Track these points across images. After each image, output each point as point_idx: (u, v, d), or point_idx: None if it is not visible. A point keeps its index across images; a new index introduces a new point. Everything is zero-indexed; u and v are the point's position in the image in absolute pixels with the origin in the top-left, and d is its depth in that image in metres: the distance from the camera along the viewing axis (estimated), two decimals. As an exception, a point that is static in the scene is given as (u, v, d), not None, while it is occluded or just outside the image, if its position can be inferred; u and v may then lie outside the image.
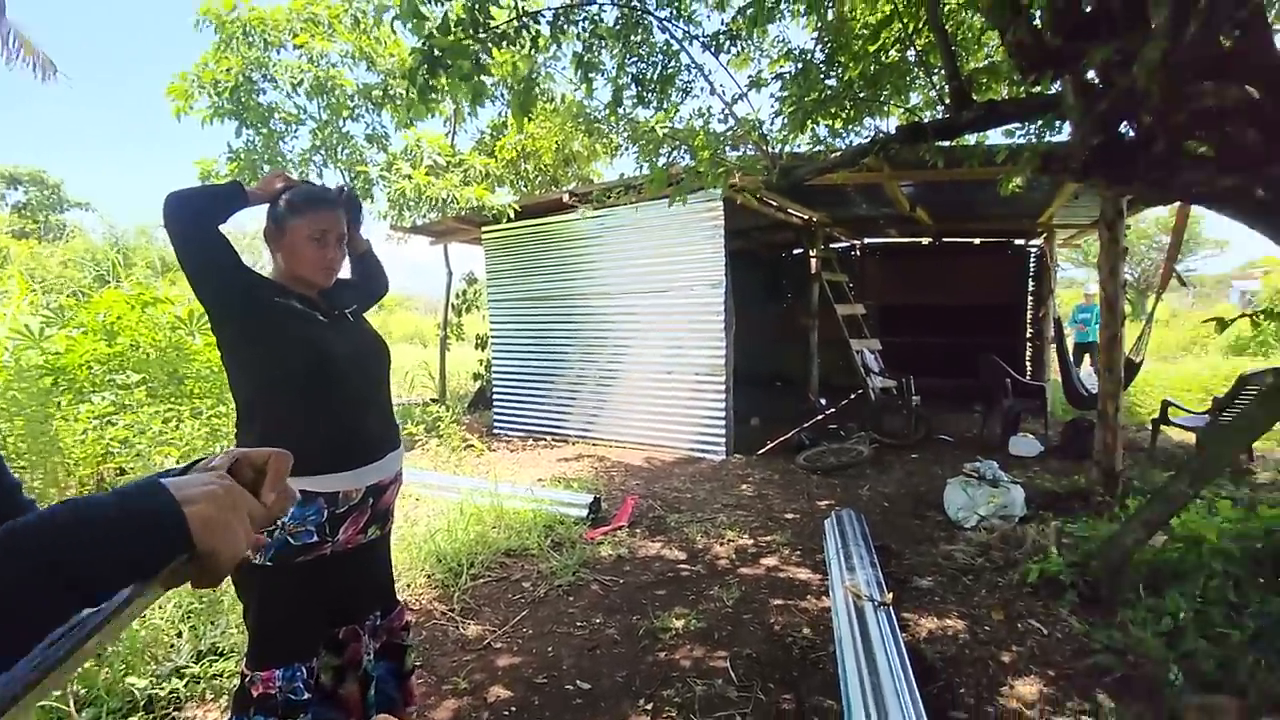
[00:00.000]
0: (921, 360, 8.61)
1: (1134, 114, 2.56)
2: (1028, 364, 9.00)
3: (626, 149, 9.65)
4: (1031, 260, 8.97)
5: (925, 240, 9.47)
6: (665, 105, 4.39)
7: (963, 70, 4.44)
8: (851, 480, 5.32)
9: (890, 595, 2.95)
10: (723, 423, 6.06)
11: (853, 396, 8.26)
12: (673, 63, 4.18)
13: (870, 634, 2.58)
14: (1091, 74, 2.76)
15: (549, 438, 7.38)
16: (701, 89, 4.72)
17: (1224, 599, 2.76)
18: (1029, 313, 9.06)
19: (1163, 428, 5.80)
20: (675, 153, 5.37)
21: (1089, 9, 2.75)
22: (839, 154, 3.78)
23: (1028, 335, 9.04)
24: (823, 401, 8.05)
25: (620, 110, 4.36)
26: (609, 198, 6.21)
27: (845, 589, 2.96)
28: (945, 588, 3.31)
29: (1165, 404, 5.78)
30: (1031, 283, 9.06)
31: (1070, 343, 9.07)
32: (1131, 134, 2.85)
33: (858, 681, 2.28)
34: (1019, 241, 9.12)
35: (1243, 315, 3.07)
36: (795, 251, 9.88)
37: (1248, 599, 2.78)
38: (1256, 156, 2.46)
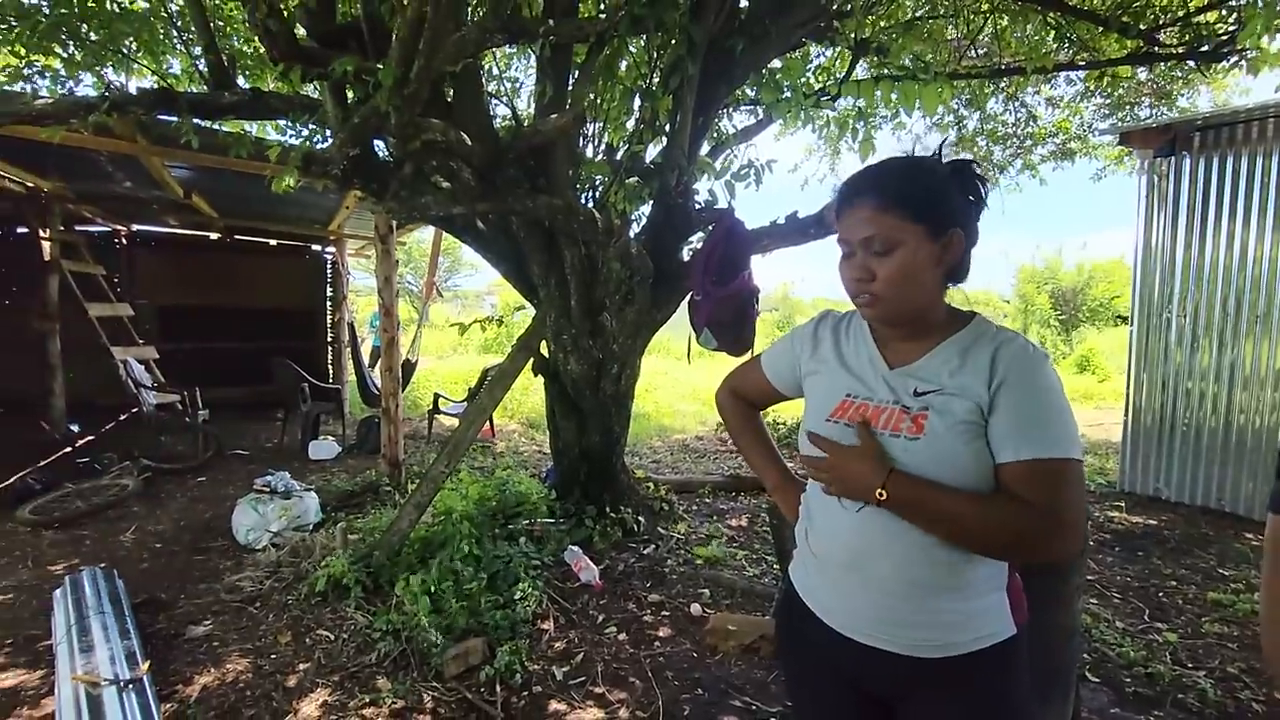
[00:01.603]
0: (213, 369, 7.71)
1: (382, 133, 2.78)
2: (329, 367, 9.23)
3: None
4: (329, 266, 9.22)
5: (214, 235, 8.50)
6: None
7: (229, 49, 4.04)
8: (110, 525, 4.21)
9: (147, 665, 2.37)
10: None
11: (123, 418, 6.68)
12: None
13: (109, 731, 1.98)
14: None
15: None
16: None
17: (471, 555, 3.32)
18: (328, 317, 9.29)
19: (437, 417, 6.83)
20: None
21: (340, 20, 2.83)
22: (51, 101, 2.83)
23: (328, 339, 9.27)
24: (74, 429, 6.21)
25: None
26: None
27: (74, 680, 2.21)
28: (228, 626, 2.92)
29: (437, 396, 6.84)
30: (330, 288, 9.31)
31: (368, 346, 9.80)
32: (389, 153, 3.10)
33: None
34: (316, 246, 9.23)
35: (475, 321, 3.81)
36: (19, 231, 7.28)
37: (485, 551, 3.43)
38: (473, 192, 3.02)
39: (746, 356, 1.55)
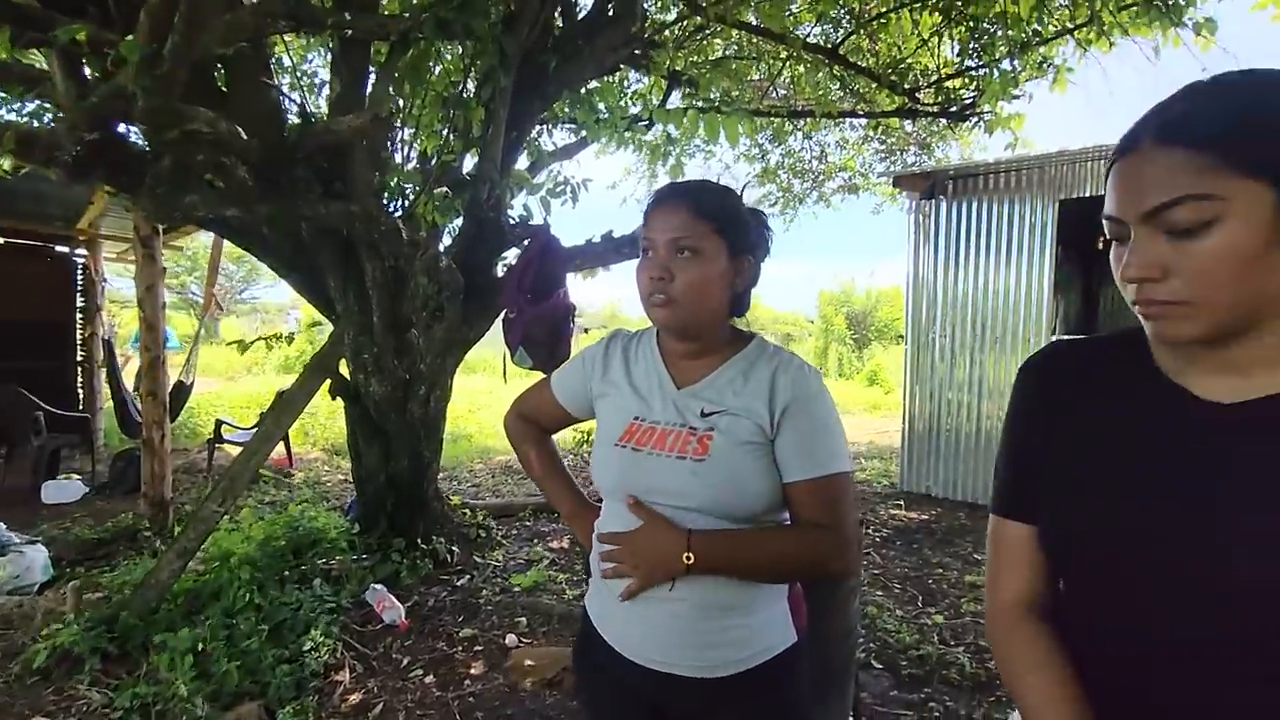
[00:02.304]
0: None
1: (130, 118, 2.36)
2: (80, 391, 7.75)
3: None
4: (79, 271, 7.77)
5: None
6: None
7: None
8: None
9: None
10: None
11: None
12: None
13: None
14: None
15: None
16: None
17: (251, 605, 2.91)
18: (79, 332, 7.82)
19: (220, 447, 5.99)
20: None
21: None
22: None
23: (77, 358, 7.79)
24: None
25: None
26: None
27: None
28: (-104, 730, 2.28)
29: (219, 423, 6.00)
30: (81, 298, 7.85)
31: (133, 366, 8.38)
32: (143, 141, 2.65)
33: None
34: (64, 248, 7.74)
35: (259, 339, 3.37)
36: None
37: (270, 599, 3.03)
38: (250, 193, 2.67)
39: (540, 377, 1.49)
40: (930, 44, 4.67)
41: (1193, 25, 3.24)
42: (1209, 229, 0.58)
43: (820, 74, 5.24)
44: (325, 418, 7.84)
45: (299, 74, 4.13)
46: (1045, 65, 4.36)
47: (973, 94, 4.79)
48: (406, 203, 3.40)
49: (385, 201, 3.36)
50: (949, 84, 4.87)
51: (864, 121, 6.82)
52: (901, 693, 2.74)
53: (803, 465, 1.06)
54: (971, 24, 4.11)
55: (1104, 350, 0.76)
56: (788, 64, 5.07)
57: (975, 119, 4.83)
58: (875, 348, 18.63)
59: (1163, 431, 0.68)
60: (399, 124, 3.55)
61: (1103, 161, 5.05)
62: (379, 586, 3.29)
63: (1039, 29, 3.96)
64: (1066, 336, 5.23)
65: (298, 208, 2.65)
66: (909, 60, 4.83)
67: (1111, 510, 0.70)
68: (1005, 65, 3.93)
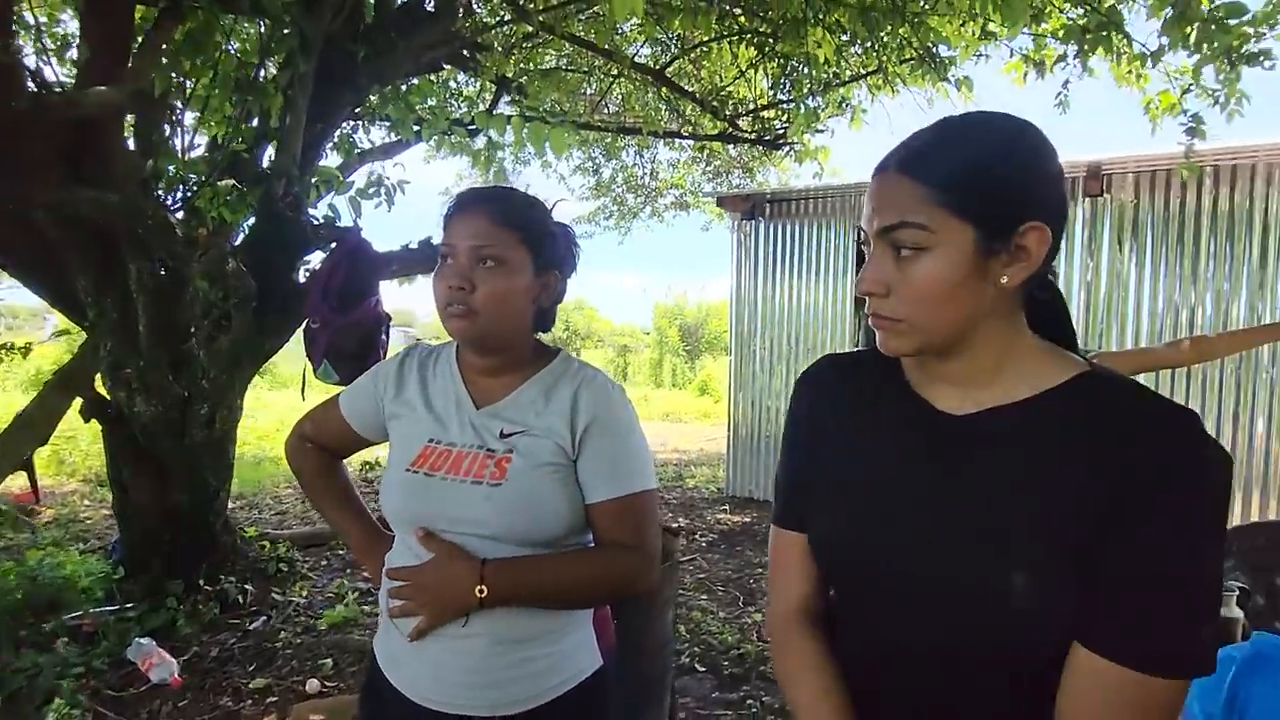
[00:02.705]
0: None
1: None
2: None
3: None
4: None
5: None
6: None
7: None
8: None
9: None
10: None
11: None
12: None
13: None
14: None
15: None
16: None
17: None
18: None
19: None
20: None
21: None
22: None
23: None
24: None
25: None
26: None
27: None
28: None
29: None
30: None
31: None
32: None
33: None
34: None
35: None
36: None
37: (10, 656, 2.49)
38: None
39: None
40: (747, 75, 4.99)
41: (955, 82, 3.75)
42: (921, 254, 0.64)
43: (649, 94, 5.41)
44: (87, 443, 6.66)
45: (43, 34, 3.47)
46: (844, 105, 4.84)
47: (784, 125, 5.20)
48: (190, 194, 2.97)
49: (162, 192, 2.91)
50: (763, 114, 5.24)
51: (691, 142, 7.17)
52: (722, 693, 2.84)
53: (606, 485, 1.03)
54: (782, 60, 4.45)
55: (867, 364, 0.80)
56: (618, 81, 5.18)
57: (787, 148, 5.23)
58: (706, 358, 19.60)
59: (908, 441, 0.73)
60: (182, 105, 3.10)
61: (891, 194, 5.72)
62: (144, 641, 2.80)
63: (838, 72, 4.38)
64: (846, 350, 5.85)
65: (31, 192, 2.19)
66: (729, 89, 5.13)
67: (860, 516, 0.73)
68: (810, 102, 4.29)
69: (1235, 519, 4.14)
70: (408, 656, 1.05)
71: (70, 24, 4.04)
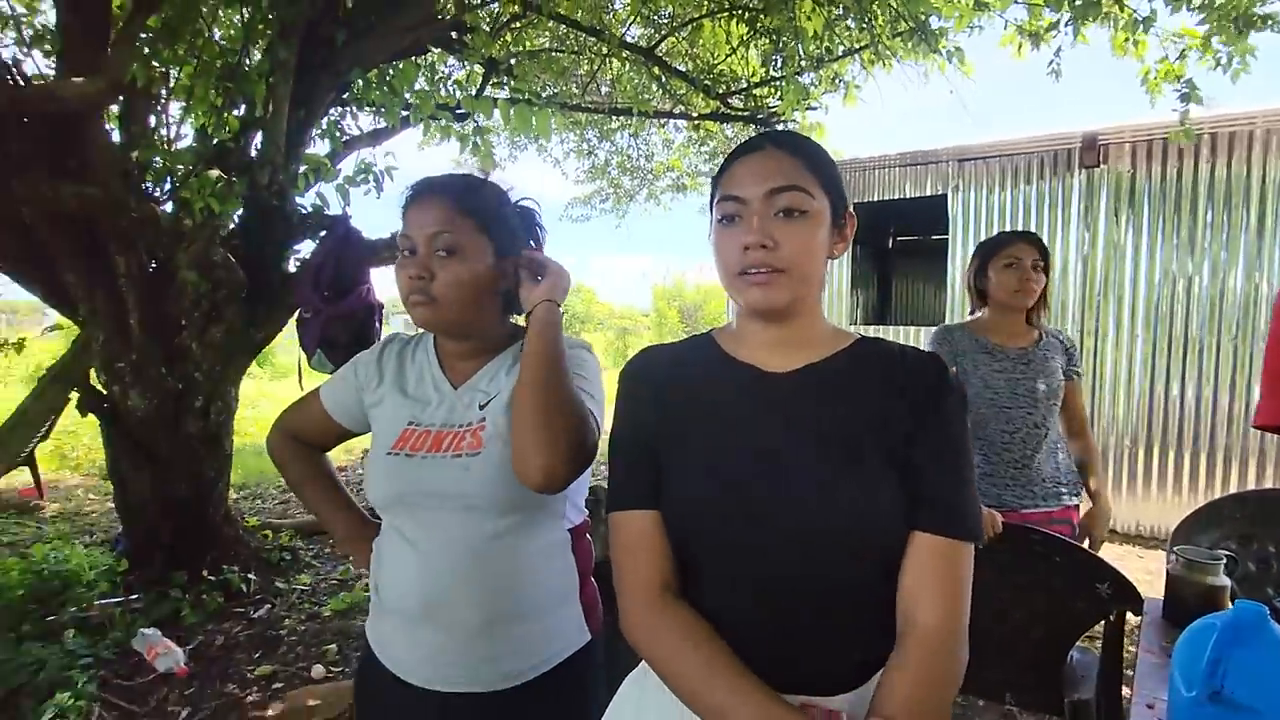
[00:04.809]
0: None
1: None
2: None
3: None
4: None
5: None
6: None
7: None
8: None
9: None
10: None
11: None
12: None
13: None
14: None
15: None
16: None
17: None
18: None
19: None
20: None
21: None
22: None
23: None
24: None
25: None
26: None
27: None
28: None
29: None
30: None
31: None
32: None
33: None
34: None
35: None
36: None
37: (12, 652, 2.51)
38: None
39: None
40: (739, 53, 4.92)
41: (947, 54, 3.69)
42: (804, 215, 0.78)
43: (641, 74, 5.34)
44: (89, 437, 6.69)
45: (21, 25, 3.42)
46: (837, 81, 4.77)
47: (777, 102, 5.14)
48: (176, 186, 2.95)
49: (148, 185, 2.89)
50: (756, 91, 5.17)
51: (686, 124, 7.08)
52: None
53: None
54: (773, 36, 4.38)
55: (686, 349, 0.92)
56: (608, 62, 5.10)
57: (780, 126, 5.17)
58: (706, 340, 19.55)
59: (743, 402, 0.83)
60: (165, 94, 3.06)
61: (887, 170, 5.67)
62: (150, 631, 2.84)
63: (830, 47, 4.31)
64: (666, 341, 5.81)
65: (12, 188, 2.18)
66: (720, 67, 5.06)
67: (714, 475, 0.80)
68: (803, 78, 4.24)
69: (1231, 488, 4.16)
70: (398, 638, 1.06)
71: (50, 14, 3.99)
